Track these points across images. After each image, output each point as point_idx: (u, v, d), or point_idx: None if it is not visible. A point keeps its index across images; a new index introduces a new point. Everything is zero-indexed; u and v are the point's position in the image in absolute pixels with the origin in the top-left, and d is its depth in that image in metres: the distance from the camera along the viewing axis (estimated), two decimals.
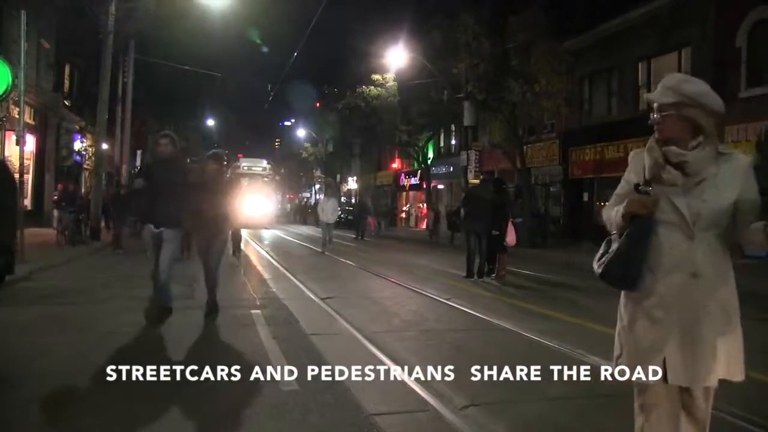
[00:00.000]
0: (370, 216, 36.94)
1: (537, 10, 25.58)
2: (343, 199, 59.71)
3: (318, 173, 67.46)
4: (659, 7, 22.69)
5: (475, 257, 14.64)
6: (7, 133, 23.19)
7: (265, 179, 45.57)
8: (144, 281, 9.34)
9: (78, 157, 31.56)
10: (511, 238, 14.40)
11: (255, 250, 22.18)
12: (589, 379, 6.34)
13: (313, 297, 11.43)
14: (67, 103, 31.03)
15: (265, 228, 38.62)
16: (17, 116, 21.65)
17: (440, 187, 43.92)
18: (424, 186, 42.10)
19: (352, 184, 62.70)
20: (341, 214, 49.92)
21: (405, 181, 50.21)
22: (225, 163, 9.63)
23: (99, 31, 23.63)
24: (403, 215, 51.47)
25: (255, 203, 37.64)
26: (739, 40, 19.73)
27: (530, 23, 25.22)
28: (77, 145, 31.69)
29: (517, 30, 25.67)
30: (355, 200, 57.43)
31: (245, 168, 44.06)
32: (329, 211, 22.39)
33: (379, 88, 37.86)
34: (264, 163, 48.12)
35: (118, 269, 14.98)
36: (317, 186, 71.27)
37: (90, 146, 31.04)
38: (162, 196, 8.23)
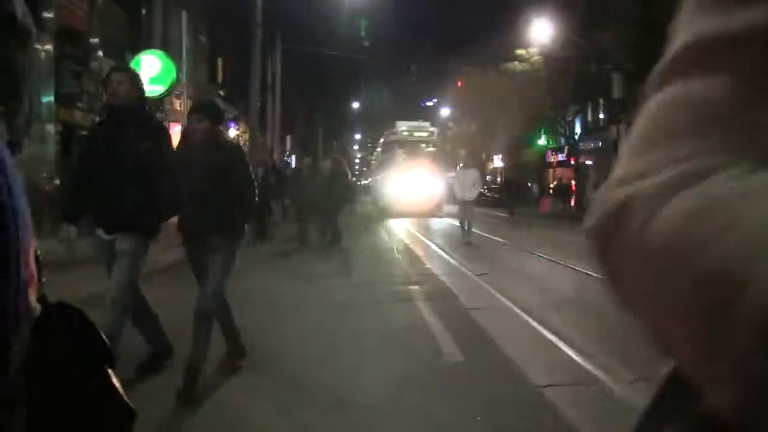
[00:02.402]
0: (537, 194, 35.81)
1: None
2: (488, 177, 59.29)
3: (463, 153, 67.16)
4: None
5: None
6: (170, 124, 24.69)
7: (432, 148, 34.76)
8: None
9: None
10: None
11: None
12: None
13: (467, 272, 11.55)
14: (221, 94, 32.46)
15: (433, 215, 28.93)
16: (178, 108, 23.07)
17: (588, 163, 42.76)
18: (572, 162, 41.16)
19: (497, 162, 62.11)
20: (486, 191, 49.25)
21: (552, 158, 49.22)
22: (221, 120, 5.59)
23: (248, 24, 24.59)
24: (551, 192, 50.50)
25: (419, 182, 29.92)
26: None
27: None
28: (231, 133, 33.13)
29: None
30: (502, 178, 56.91)
31: (404, 133, 34.33)
32: (468, 185, 17.48)
33: (523, 63, 37.24)
34: (429, 126, 36.92)
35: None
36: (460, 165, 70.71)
37: (243, 133, 32.39)
38: (110, 177, 4.84)
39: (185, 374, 4.69)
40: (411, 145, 33.13)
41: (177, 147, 5.39)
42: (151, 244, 5.02)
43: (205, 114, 5.15)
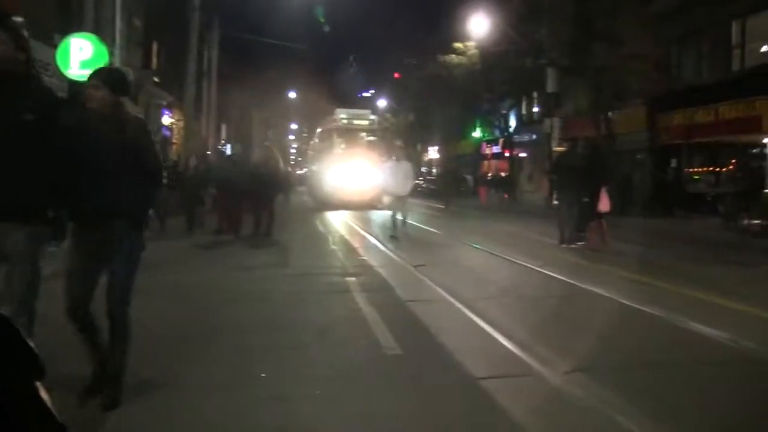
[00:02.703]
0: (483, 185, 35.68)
1: None
2: (423, 169, 59.57)
3: (399, 143, 67.30)
4: None
5: (568, 224, 14.54)
6: None
7: (373, 138, 32.21)
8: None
9: (167, 132, 32.43)
10: (604, 204, 14.22)
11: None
12: (693, 345, 6.36)
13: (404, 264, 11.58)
14: (156, 80, 31.83)
15: (375, 208, 25.83)
16: None
17: (522, 155, 43.39)
18: (506, 154, 41.70)
19: (433, 153, 62.54)
20: (422, 181, 49.41)
21: (487, 150, 49.78)
22: (124, 91, 4.65)
23: (185, 8, 24.16)
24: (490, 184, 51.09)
25: (358, 172, 28.08)
26: None
27: None
28: (165, 120, 32.58)
29: None
30: (437, 169, 57.24)
31: (344, 121, 31.85)
32: (401, 178, 16.35)
33: (460, 57, 37.53)
34: (370, 114, 34.64)
35: None
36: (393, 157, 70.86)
37: (178, 121, 31.87)
38: None
39: (107, 378, 4.45)
40: (350, 134, 31.23)
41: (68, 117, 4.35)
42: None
43: (104, 81, 4.38)
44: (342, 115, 32.45)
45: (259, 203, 15.48)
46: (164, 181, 15.09)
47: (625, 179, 23.66)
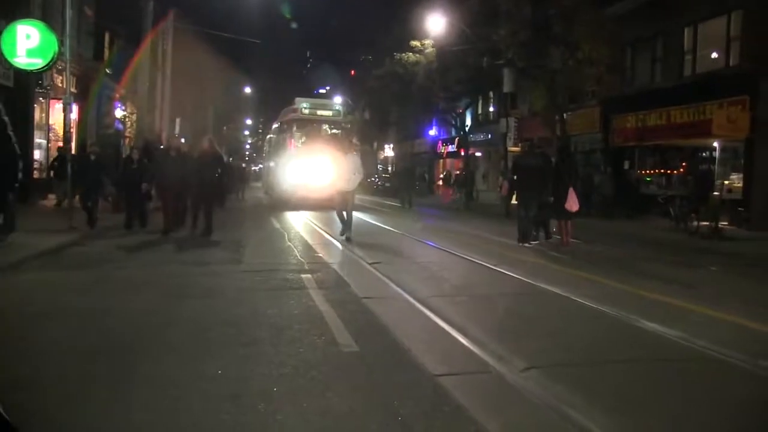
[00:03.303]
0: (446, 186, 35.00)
1: None
2: (379, 166, 59.60)
3: (354, 141, 67.03)
4: None
5: (527, 224, 14.75)
6: (51, 101, 23.60)
7: (337, 131, 28.97)
8: None
9: (120, 125, 31.90)
10: (572, 204, 14.48)
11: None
12: (646, 344, 6.45)
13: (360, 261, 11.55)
14: (108, 72, 31.27)
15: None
16: (60, 85, 22.03)
17: (478, 154, 43.67)
18: (462, 153, 41.88)
19: (389, 151, 62.62)
20: (377, 180, 49.31)
21: (442, 149, 49.99)
22: None
23: None
24: (440, 183, 51.31)
25: (321, 169, 23.90)
26: None
27: None
28: (118, 113, 32.04)
29: None
30: (393, 167, 57.26)
31: (305, 111, 28.50)
32: (348, 173, 15.22)
33: (417, 55, 37.57)
34: (335, 104, 31.56)
35: None
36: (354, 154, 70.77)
37: (131, 114, 31.34)
38: None
39: None
40: (313, 126, 28.30)
41: None
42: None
43: None
44: (303, 104, 28.89)
45: (200, 199, 14.98)
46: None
47: (587, 180, 23.81)
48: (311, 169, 24.94)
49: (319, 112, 28.85)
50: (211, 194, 15.23)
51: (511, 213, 22.95)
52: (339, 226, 15.09)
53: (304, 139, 27.51)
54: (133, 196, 15.87)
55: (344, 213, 15.01)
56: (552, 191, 14.73)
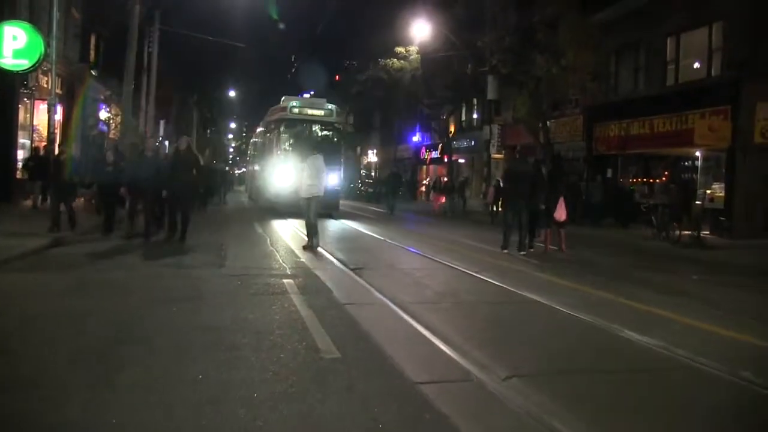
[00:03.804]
0: (436, 193, 34.29)
1: None
2: (362, 171, 59.52)
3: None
4: None
5: (512, 232, 14.81)
6: (36, 102, 23.45)
7: (330, 132, 26.79)
8: None
9: (104, 127, 31.72)
10: (561, 213, 14.72)
11: None
12: (627, 353, 6.48)
13: (342, 267, 11.52)
14: (93, 73, 31.10)
15: (331, 216, 24.11)
16: (46, 86, 21.90)
17: (461, 161, 43.77)
18: (445, 160, 41.95)
19: (372, 157, 62.62)
20: (360, 185, 49.05)
21: (426, 155, 50.06)
22: None
23: (126, 1, 23.67)
24: (423, 189, 51.36)
25: (311, 174, 21.94)
26: None
27: None
28: (102, 115, 31.86)
29: (544, 3, 25.39)
30: (377, 173, 57.20)
31: (294, 111, 26.10)
32: (312, 176, 14.13)
33: (402, 61, 37.61)
34: (328, 104, 27.60)
35: None
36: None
37: (115, 116, 31.19)
38: None
39: None
40: (303, 127, 25.81)
41: None
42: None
43: None
44: (293, 103, 26.48)
45: (175, 203, 14.33)
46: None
47: (575, 188, 23.78)
48: (301, 175, 22.31)
49: (309, 112, 26.32)
50: (187, 197, 14.61)
51: (496, 220, 23.07)
52: (333, 233, 14.88)
53: (292, 141, 25.20)
54: (109, 198, 15.21)
55: (312, 221, 13.93)
56: (544, 199, 14.88)
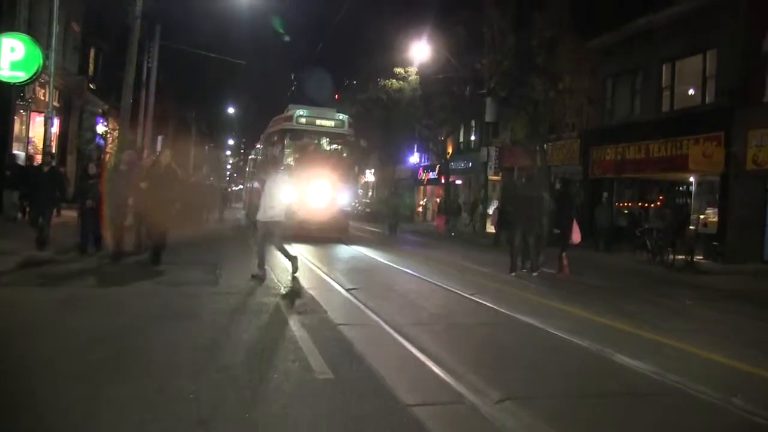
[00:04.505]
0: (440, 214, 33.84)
1: (563, 7, 25.38)
2: (360, 191, 59.56)
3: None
4: (686, 8, 22.50)
5: (518, 255, 14.99)
6: (32, 114, 23.48)
7: (340, 146, 24.16)
8: None
9: (101, 141, 31.76)
10: (577, 236, 14.93)
11: None
12: (620, 377, 6.49)
13: (337, 287, 11.52)
14: (91, 87, 31.18)
15: (340, 240, 21.75)
16: (43, 98, 21.95)
17: (458, 182, 43.85)
18: (443, 180, 42.04)
19: (369, 176, 62.70)
20: (356, 205, 48.75)
21: (423, 176, 50.14)
22: None
23: (126, 15, 23.77)
24: (420, 209, 51.40)
25: (320, 193, 21.24)
26: (766, 45, 19.50)
27: (556, 20, 25.09)
28: (100, 129, 31.92)
29: (542, 27, 25.56)
30: (374, 192, 57.23)
31: (302, 121, 23.04)
32: (275, 199, 12.28)
33: (401, 82, 37.81)
34: (340, 115, 24.51)
35: None
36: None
37: (113, 130, 31.23)
38: None
39: None
40: (311, 139, 23.32)
41: None
42: None
43: None
44: (300, 112, 23.32)
45: (153, 221, 13.09)
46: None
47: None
48: (308, 194, 20.20)
49: (318, 122, 23.23)
50: (164, 215, 13.18)
51: (500, 242, 23.04)
52: (330, 253, 14.51)
53: (298, 155, 22.63)
54: (87, 214, 13.82)
55: (265, 251, 12.23)
56: (556, 223, 14.99)
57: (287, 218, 14.91)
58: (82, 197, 14.17)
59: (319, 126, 23.14)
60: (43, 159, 15.66)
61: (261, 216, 12.21)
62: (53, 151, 19.74)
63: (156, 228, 13.14)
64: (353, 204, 23.27)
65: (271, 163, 20.91)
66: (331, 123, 23.38)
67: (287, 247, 12.81)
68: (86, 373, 5.46)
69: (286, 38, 46.31)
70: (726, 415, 5.46)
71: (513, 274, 14.66)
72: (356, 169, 28.92)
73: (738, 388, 6.01)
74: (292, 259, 12.01)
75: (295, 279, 11.69)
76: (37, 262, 11.83)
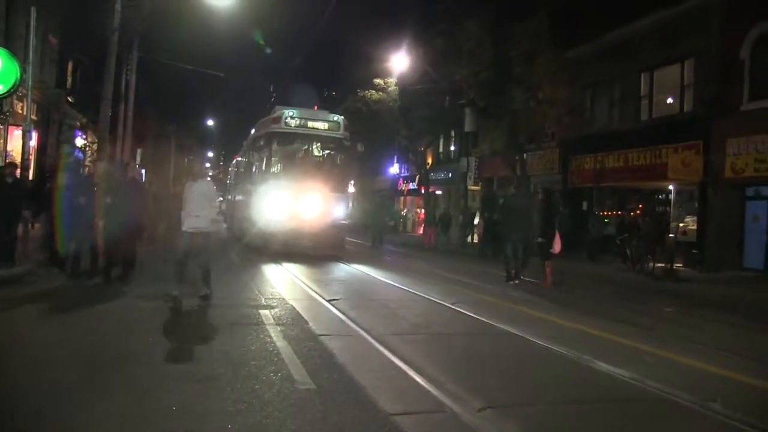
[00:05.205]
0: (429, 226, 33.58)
1: (541, 18, 25.54)
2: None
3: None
4: (663, 18, 22.72)
5: (511, 263, 15.33)
6: (10, 128, 23.29)
7: (339, 152, 21.76)
8: None
9: (80, 154, 31.55)
10: (557, 246, 15.08)
11: None
12: (600, 384, 6.53)
13: (319, 298, 11.50)
14: (69, 100, 30.97)
15: (335, 256, 19.95)
16: (21, 111, 21.76)
17: (438, 192, 43.91)
18: (423, 191, 42.09)
19: (349, 188, 62.66)
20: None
21: (403, 186, 50.18)
22: None
23: (104, 28, 23.65)
24: (401, 220, 51.37)
25: (312, 204, 19.52)
26: (743, 53, 19.75)
27: (534, 31, 25.20)
28: (79, 142, 31.70)
29: (521, 38, 25.69)
30: (353, 203, 57.18)
31: (291, 123, 20.56)
32: (198, 206, 10.78)
33: (380, 93, 37.85)
34: (334, 116, 21.98)
35: None
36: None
37: (92, 143, 31.05)
38: None
39: None
40: (301, 144, 21.15)
41: None
42: None
43: None
44: (289, 113, 20.73)
45: (118, 237, 12.01)
46: None
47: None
48: (298, 203, 19.17)
49: (310, 124, 20.80)
50: (130, 229, 12.32)
51: (485, 253, 23.30)
52: (292, 257, 14.57)
53: (287, 161, 20.79)
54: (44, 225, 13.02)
55: (189, 265, 10.79)
56: (540, 233, 15.13)
57: (274, 229, 13.87)
58: (38, 207, 13.43)
59: (310, 128, 20.80)
60: (6, 169, 13.97)
61: (185, 225, 10.76)
62: (31, 164, 19.46)
63: (123, 244, 12.27)
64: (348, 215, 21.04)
65: (258, 171, 20.78)
66: (325, 125, 21.08)
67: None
68: (65, 388, 5.42)
69: (267, 50, 46.25)
70: (705, 420, 5.52)
71: (512, 282, 14.98)
72: (352, 176, 24.73)
73: (717, 394, 6.06)
74: (209, 287, 10.85)
75: (204, 297, 10.59)
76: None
